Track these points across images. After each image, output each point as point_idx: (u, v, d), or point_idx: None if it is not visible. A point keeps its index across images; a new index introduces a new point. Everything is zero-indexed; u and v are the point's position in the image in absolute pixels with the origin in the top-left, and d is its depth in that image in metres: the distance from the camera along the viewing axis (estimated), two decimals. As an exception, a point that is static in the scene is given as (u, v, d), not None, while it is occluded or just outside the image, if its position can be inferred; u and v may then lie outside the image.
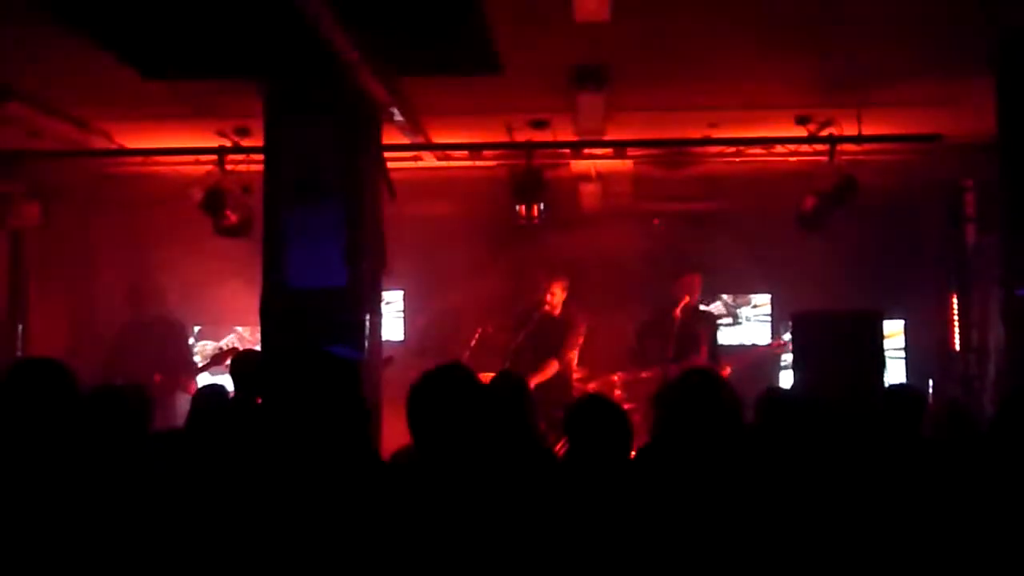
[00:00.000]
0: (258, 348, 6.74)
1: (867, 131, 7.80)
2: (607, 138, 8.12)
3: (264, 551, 2.65)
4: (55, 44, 5.99)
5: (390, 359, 7.81)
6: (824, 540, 3.65)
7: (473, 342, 8.53)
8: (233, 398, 5.87)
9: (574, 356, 8.50)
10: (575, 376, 8.56)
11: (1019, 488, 3.87)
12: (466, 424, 2.97)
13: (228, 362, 6.70)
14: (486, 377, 4.87)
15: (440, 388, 3.02)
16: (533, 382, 8.04)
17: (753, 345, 9.91)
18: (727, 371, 8.59)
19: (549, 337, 8.41)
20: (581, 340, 8.51)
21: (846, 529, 3.76)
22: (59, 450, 3.30)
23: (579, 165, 9.05)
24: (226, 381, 6.29)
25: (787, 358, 9.28)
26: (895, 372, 9.58)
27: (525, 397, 4.68)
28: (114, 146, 8.41)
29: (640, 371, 8.55)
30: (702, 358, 8.49)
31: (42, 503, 3.09)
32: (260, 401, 5.48)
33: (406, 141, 8.06)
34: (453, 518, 2.77)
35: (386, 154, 7.40)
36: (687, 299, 8.63)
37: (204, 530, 2.94)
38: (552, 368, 8.26)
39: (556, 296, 8.50)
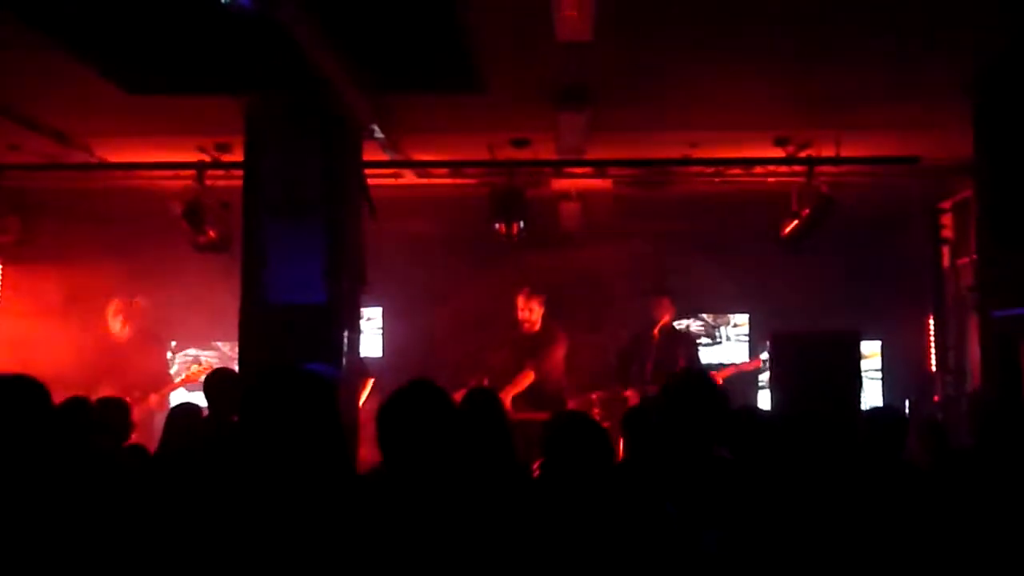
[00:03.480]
0: (232, 367, 6.70)
1: (846, 153, 7.85)
2: (588, 157, 8.14)
3: (237, 570, 2.64)
4: (36, 58, 5.97)
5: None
6: (807, 564, 3.66)
7: (453, 360, 8.52)
8: (207, 416, 5.84)
9: (555, 368, 8.48)
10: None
11: (1004, 508, 3.89)
12: (434, 441, 2.95)
13: (202, 379, 6.66)
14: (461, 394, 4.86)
15: (408, 405, 3.00)
16: (509, 394, 8.05)
17: (731, 364, 9.93)
18: None
19: (527, 353, 8.41)
20: (562, 352, 8.50)
21: (830, 552, 3.77)
22: (36, 466, 3.26)
23: (559, 184, 9.07)
24: (201, 399, 6.25)
25: (764, 378, 9.32)
26: (872, 393, 9.63)
27: (497, 412, 4.64)
28: (94, 160, 8.38)
29: (619, 390, 8.59)
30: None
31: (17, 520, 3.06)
32: (236, 419, 5.45)
33: (386, 158, 8.06)
34: (423, 537, 2.76)
35: (366, 171, 7.40)
36: (663, 319, 8.66)
37: (176, 548, 2.92)
38: (527, 378, 8.26)
39: (534, 312, 8.50)
